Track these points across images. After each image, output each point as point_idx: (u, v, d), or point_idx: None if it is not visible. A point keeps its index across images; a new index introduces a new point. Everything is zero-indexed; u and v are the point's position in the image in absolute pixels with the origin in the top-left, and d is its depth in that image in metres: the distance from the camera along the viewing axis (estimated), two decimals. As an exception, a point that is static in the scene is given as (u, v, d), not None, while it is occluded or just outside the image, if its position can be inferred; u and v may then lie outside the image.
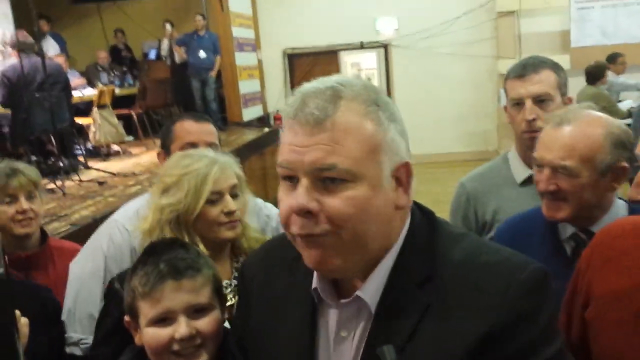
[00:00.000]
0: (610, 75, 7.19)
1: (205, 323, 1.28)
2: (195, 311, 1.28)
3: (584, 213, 1.51)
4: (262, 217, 2.01)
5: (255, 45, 10.33)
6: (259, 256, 1.21)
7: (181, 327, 1.25)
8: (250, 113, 9.62)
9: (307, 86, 0.96)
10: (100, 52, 9.97)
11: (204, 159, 1.63)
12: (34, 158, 5.73)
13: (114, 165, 6.78)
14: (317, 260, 0.94)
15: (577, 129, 1.47)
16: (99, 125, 7.26)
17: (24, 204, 2.07)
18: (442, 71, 10.14)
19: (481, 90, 10.15)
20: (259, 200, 2.07)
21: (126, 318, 1.36)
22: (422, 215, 1.03)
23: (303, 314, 1.03)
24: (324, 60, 10.52)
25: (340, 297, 1.00)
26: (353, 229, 0.91)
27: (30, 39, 5.98)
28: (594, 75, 6.96)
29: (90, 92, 8.21)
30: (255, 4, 10.43)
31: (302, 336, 1.02)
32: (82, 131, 7.61)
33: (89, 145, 7.64)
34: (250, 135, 8.31)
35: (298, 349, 1.02)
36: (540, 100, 1.87)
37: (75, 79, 8.64)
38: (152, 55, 11.15)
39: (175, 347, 1.25)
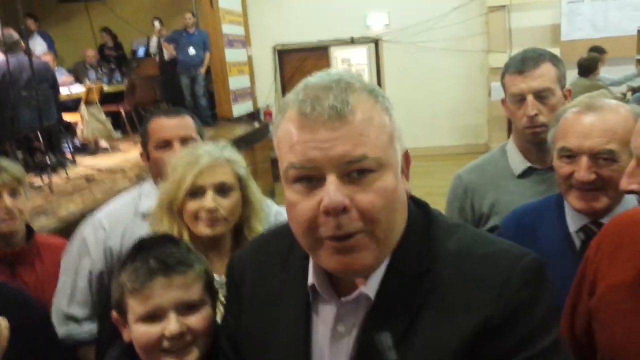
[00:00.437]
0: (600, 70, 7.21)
1: (196, 320, 1.25)
2: (186, 307, 1.25)
3: (615, 201, 1.46)
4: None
5: (245, 42, 10.30)
6: (250, 251, 1.18)
7: (171, 324, 1.22)
8: (240, 109, 9.59)
9: (313, 80, 0.92)
10: (89, 50, 9.92)
11: (196, 153, 1.61)
12: (20, 155, 5.67)
13: (102, 161, 6.74)
14: (347, 262, 0.90)
15: (611, 112, 1.43)
16: (87, 122, 7.21)
17: (7, 201, 2.03)
18: (432, 66, 10.17)
19: (472, 85, 10.18)
20: (275, 206, 2.03)
21: (114, 314, 1.32)
22: (416, 206, 1.01)
23: (298, 310, 1.01)
24: (314, 56, 10.50)
25: (340, 292, 0.98)
26: (386, 221, 0.90)
27: (16, 37, 5.92)
28: (587, 68, 7.00)
29: (78, 90, 8.15)
30: (245, 1, 10.40)
31: (298, 333, 1.00)
32: (70, 128, 7.55)
33: (77, 142, 7.59)
34: (240, 130, 8.28)
35: (294, 346, 1.00)
36: (541, 95, 1.85)
37: (63, 77, 8.58)
38: (141, 52, 11.11)
39: (165, 344, 1.23)
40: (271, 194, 7.48)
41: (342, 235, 0.87)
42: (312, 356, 1.00)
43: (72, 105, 7.90)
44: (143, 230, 1.69)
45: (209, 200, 1.57)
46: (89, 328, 1.89)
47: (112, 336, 1.47)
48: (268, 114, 10.25)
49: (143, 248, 1.30)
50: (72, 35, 10.89)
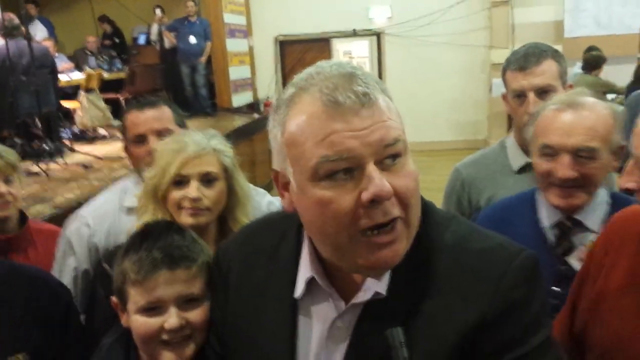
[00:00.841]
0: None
1: (195, 314, 1.24)
2: (187, 302, 1.24)
3: (592, 198, 1.49)
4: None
5: (246, 32, 10.26)
6: (237, 242, 1.16)
7: (171, 318, 1.22)
8: (240, 99, 9.57)
9: (325, 70, 0.89)
10: (89, 37, 9.88)
11: (183, 142, 1.59)
12: (18, 141, 5.65)
13: (100, 149, 6.72)
14: (387, 256, 0.87)
15: (591, 111, 1.45)
16: (86, 109, 7.19)
17: (0, 186, 2.01)
18: (434, 60, 10.13)
19: (473, 80, 10.14)
20: (271, 198, 2.02)
21: (113, 299, 1.32)
22: None
23: (285, 304, 1.00)
24: (315, 47, 10.45)
25: (336, 288, 0.97)
26: (416, 205, 0.90)
27: (17, 22, 5.89)
28: (592, 64, 6.98)
29: (77, 76, 8.12)
30: (247, -10, 10.36)
31: (284, 326, 0.99)
32: (69, 115, 7.53)
33: (75, 129, 7.57)
34: (239, 121, 8.26)
35: (280, 339, 0.99)
36: (543, 92, 1.84)
37: (63, 63, 8.55)
38: (142, 40, 11.06)
39: (164, 336, 1.23)
40: (269, 186, 7.45)
41: (387, 222, 0.85)
42: (297, 350, 0.99)
43: (72, 92, 7.89)
44: (128, 225, 1.67)
45: (193, 189, 1.56)
46: None
47: (104, 327, 1.46)
48: (268, 105, 10.22)
49: (148, 237, 1.28)
50: (73, 22, 10.85)
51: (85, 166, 5.50)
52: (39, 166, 5.20)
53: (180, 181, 1.56)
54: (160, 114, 1.94)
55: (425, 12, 9.91)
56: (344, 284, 0.96)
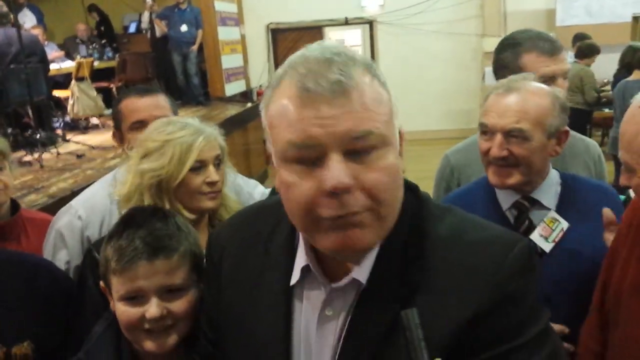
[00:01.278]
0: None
1: (178, 304, 1.24)
2: (169, 292, 1.24)
3: (531, 178, 1.56)
4: (244, 195, 1.96)
5: (238, 20, 10.19)
6: (231, 228, 1.14)
7: (152, 308, 1.21)
8: (233, 88, 9.52)
9: (311, 52, 0.87)
10: (80, 25, 9.78)
11: (189, 127, 1.59)
12: (10, 130, 5.61)
13: (92, 138, 6.69)
14: (348, 240, 0.85)
15: (526, 94, 1.53)
16: (77, 98, 7.13)
17: (-9, 175, 2.01)
18: (427, 49, 10.11)
19: (465, 69, 10.14)
20: (239, 178, 2.01)
21: (102, 284, 1.32)
22: (407, 189, 0.98)
23: (279, 291, 0.99)
24: (308, 35, 10.39)
25: (327, 275, 0.96)
26: (390, 200, 0.87)
27: (5, 10, 5.83)
28: (585, 52, 6.97)
29: (68, 65, 8.06)
30: (238, -23, 10.27)
31: (278, 314, 0.99)
32: (60, 104, 7.48)
33: (67, 118, 7.52)
34: (232, 110, 8.23)
35: (274, 326, 0.99)
36: (565, 77, 1.90)
37: (53, 52, 8.47)
38: (133, 28, 10.96)
39: (146, 325, 1.22)
40: (263, 176, 7.45)
41: (344, 214, 0.84)
42: (292, 337, 0.98)
43: (63, 81, 7.82)
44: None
45: (213, 173, 1.57)
46: None
47: (94, 316, 1.47)
48: (261, 94, 10.17)
49: (131, 224, 1.27)
50: (63, 10, 10.72)
51: (78, 156, 5.48)
52: (32, 156, 5.18)
53: (198, 167, 1.55)
54: (159, 102, 1.93)
55: (418, 0, 9.88)
56: (336, 272, 0.96)
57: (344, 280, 0.93)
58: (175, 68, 8.93)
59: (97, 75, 8.26)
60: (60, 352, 1.46)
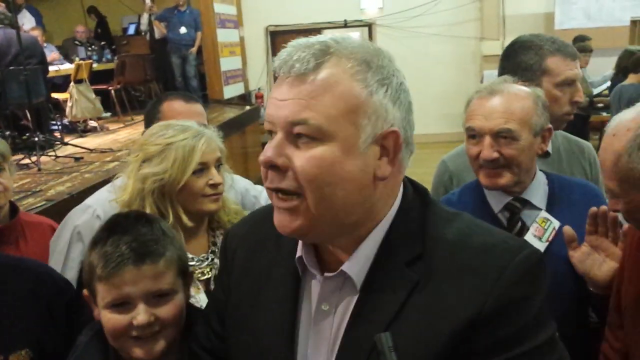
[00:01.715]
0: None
1: (165, 310, 1.24)
2: (156, 297, 1.23)
3: (521, 178, 1.59)
4: (249, 198, 1.96)
5: (237, 22, 10.18)
6: (245, 227, 1.17)
7: (140, 315, 1.21)
8: (232, 91, 9.51)
9: (299, 40, 0.92)
10: (79, 26, 9.77)
11: (190, 130, 1.58)
12: (8, 133, 5.60)
13: (91, 141, 6.66)
14: (281, 220, 0.92)
15: (510, 96, 1.56)
16: (76, 101, 7.11)
17: (-10, 176, 2.00)
18: (425, 52, 10.12)
19: (464, 72, 10.14)
20: (246, 182, 2.02)
21: (85, 292, 1.31)
22: (415, 192, 1.00)
23: (287, 284, 1.01)
24: None
25: (325, 269, 0.98)
26: (318, 190, 0.88)
27: (4, 11, 5.82)
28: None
29: (67, 67, 8.04)
30: (237, -20, 10.27)
31: (285, 307, 1.00)
32: (59, 106, 7.46)
33: (65, 121, 7.50)
34: (231, 113, 8.20)
35: (280, 320, 1.00)
36: (580, 81, 1.93)
37: (52, 54, 8.47)
38: (132, 30, 10.96)
39: (134, 332, 1.21)
40: (261, 179, 7.43)
41: (272, 188, 0.91)
42: (298, 332, 0.99)
43: (61, 83, 7.80)
44: None
45: (216, 175, 1.57)
46: None
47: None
48: (259, 96, 10.18)
49: (116, 230, 1.26)
50: (62, 12, 10.72)
51: (76, 159, 5.46)
52: (30, 159, 5.15)
53: (201, 169, 1.55)
54: (200, 109, 1.97)
55: (417, 3, 9.89)
56: (331, 265, 0.97)
57: (334, 272, 0.95)
58: (174, 70, 8.93)
59: (95, 77, 8.25)
60: (59, 358, 1.44)
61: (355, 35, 10.57)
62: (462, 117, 1.68)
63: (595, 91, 7.37)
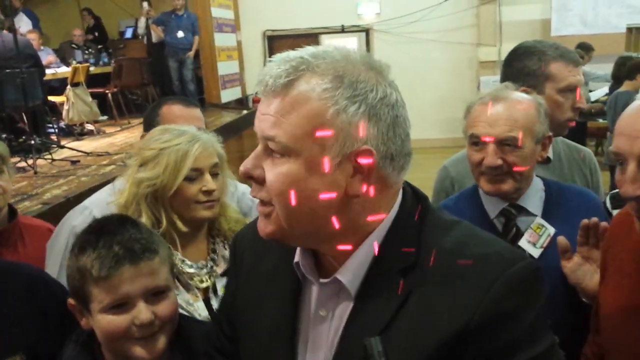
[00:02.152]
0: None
1: (163, 307, 1.24)
2: (153, 294, 1.23)
3: (522, 184, 1.59)
4: (246, 202, 1.96)
5: (234, 26, 10.20)
6: (252, 231, 1.15)
7: (142, 313, 1.20)
8: (229, 95, 9.53)
9: (282, 54, 0.93)
10: (76, 29, 9.77)
11: (186, 134, 1.56)
12: (4, 135, 5.58)
13: (87, 144, 6.66)
14: (259, 224, 0.96)
15: (513, 103, 1.56)
16: (72, 104, 7.11)
17: (-11, 179, 1.99)
18: (422, 57, 10.13)
19: (460, 78, 10.16)
20: (244, 186, 2.01)
21: (70, 301, 1.28)
22: (414, 200, 0.99)
23: (287, 290, 1.02)
24: (304, 43, 9.70)
25: (322, 275, 0.98)
26: (283, 204, 0.89)
27: (0, 15, 5.82)
28: None
29: (64, 70, 8.03)
30: (234, -16, 10.29)
31: (285, 312, 1.01)
32: (56, 109, 7.45)
33: (62, 124, 7.48)
34: (228, 117, 8.22)
35: (281, 325, 1.01)
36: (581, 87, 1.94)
37: (48, 57, 8.45)
38: (129, 33, 10.95)
39: (135, 333, 1.21)
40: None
41: (253, 196, 0.94)
42: (298, 336, 1.00)
43: (58, 86, 7.79)
44: None
45: (210, 181, 1.53)
46: None
47: None
48: (256, 101, 10.17)
49: (103, 232, 1.24)
50: (58, 15, 10.71)
51: (73, 162, 5.45)
52: (26, 162, 5.14)
53: (194, 176, 1.53)
54: (199, 114, 1.96)
55: (414, 9, 9.92)
56: (325, 269, 0.98)
57: (328, 279, 0.96)
58: (171, 74, 8.93)
59: (92, 80, 8.25)
60: None
61: (352, 41, 10.61)
62: (458, 122, 1.68)
63: (593, 97, 7.40)
